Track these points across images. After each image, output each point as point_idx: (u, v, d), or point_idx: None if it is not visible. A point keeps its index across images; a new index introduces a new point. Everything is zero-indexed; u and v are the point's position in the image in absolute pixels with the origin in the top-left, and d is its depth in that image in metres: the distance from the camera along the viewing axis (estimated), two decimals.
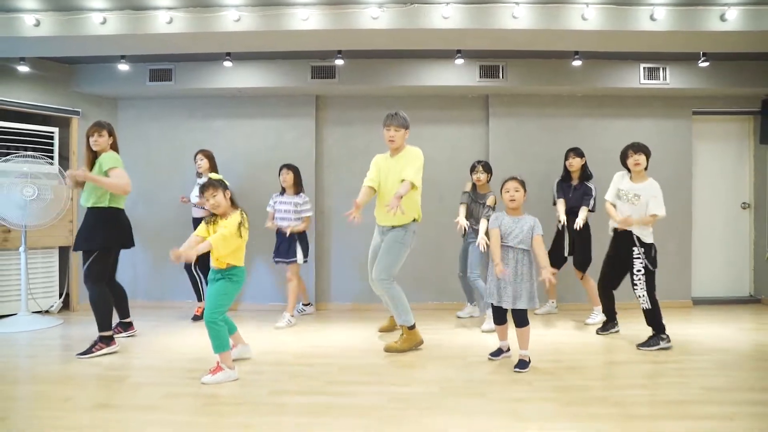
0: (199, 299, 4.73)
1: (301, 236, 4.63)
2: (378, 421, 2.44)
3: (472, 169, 4.46)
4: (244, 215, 3.07)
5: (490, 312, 4.16)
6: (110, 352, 3.56)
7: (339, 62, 4.68)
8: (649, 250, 3.68)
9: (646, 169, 3.77)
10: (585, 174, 4.51)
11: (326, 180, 5.30)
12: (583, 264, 4.47)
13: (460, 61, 4.60)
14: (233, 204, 3.10)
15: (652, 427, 2.35)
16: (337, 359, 3.45)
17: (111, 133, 3.72)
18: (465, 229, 4.31)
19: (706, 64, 4.63)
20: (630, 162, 3.76)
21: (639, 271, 3.67)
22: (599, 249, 4.22)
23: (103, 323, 3.56)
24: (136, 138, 5.27)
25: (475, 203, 4.42)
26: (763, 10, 3.67)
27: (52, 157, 4.77)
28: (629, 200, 3.74)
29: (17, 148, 4.55)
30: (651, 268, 3.66)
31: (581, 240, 4.42)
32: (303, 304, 5.03)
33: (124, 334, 3.98)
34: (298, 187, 4.67)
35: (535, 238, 3.16)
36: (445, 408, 2.60)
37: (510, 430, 2.34)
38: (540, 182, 4.92)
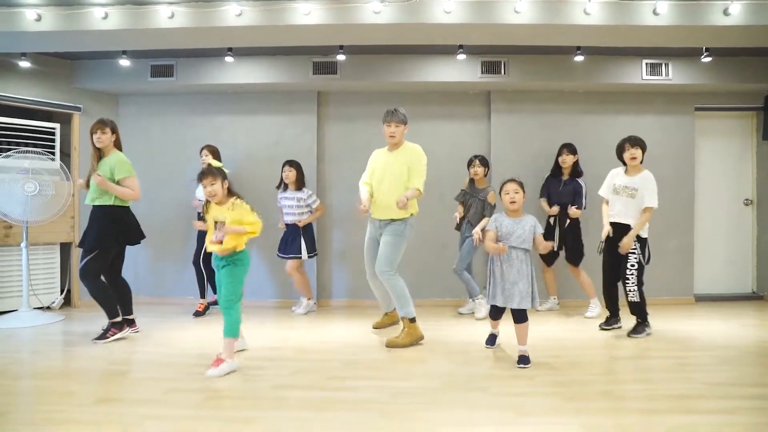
0: (202, 296, 4.73)
1: (306, 231, 4.64)
2: (379, 415, 2.45)
3: (470, 164, 4.52)
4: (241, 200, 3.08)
5: (480, 299, 4.49)
6: (123, 337, 3.74)
7: (341, 58, 4.67)
8: (644, 245, 3.74)
9: (641, 162, 3.82)
10: (576, 170, 4.60)
11: (328, 176, 5.29)
12: (575, 258, 4.53)
13: (461, 57, 4.59)
14: (230, 192, 3.09)
15: (654, 421, 2.35)
16: (339, 354, 3.46)
17: (114, 131, 3.76)
18: (459, 221, 4.48)
19: (709, 59, 4.61)
20: (626, 156, 3.82)
21: (633, 265, 3.73)
22: (591, 242, 4.33)
23: (111, 311, 3.73)
24: (137, 134, 5.25)
25: (474, 198, 4.44)
26: (766, 5, 3.64)
27: (53, 153, 4.77)
28: (628, 194, 3.77)
29: (18, 144, 4.55)
30: (644, 263, 3.72)
31: (573, 236, 4.52)
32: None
33: (128, 331, 3.98)
34: (300, 183, 4.68)
35: (537, 237, 3.20)
36: (446, 403, 2.60)
37: (511, 425, 2.34)
38: (542, 179, 4.90)
